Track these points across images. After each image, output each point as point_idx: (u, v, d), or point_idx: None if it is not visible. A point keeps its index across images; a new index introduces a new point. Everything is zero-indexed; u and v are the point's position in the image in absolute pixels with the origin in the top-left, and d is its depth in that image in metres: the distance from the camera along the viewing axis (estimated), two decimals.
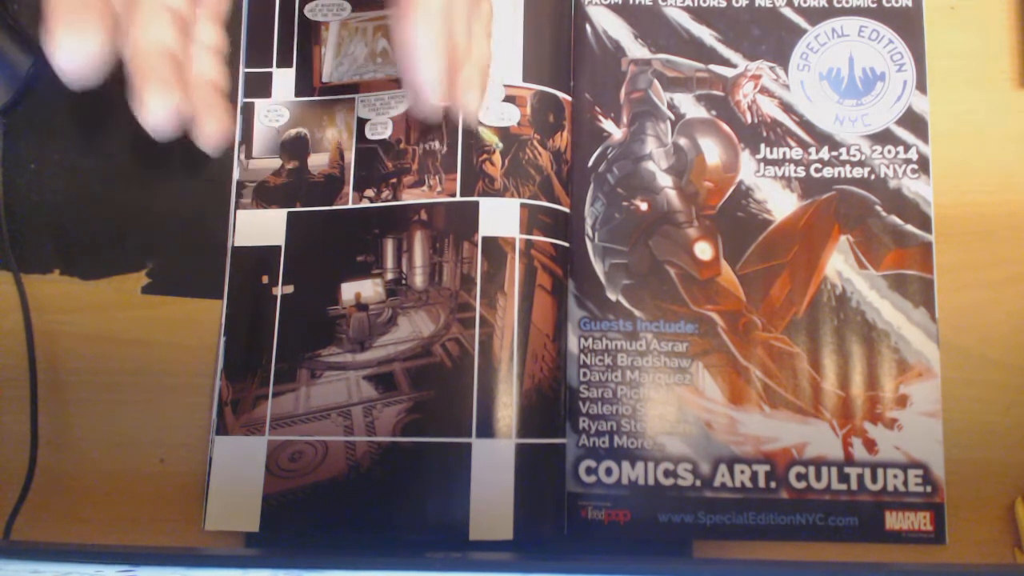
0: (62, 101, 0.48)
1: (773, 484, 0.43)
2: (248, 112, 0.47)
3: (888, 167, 0.46)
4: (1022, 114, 0.47)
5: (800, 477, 0.44)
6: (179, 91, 0.35)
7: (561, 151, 0.46)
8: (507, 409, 0.42)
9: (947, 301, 0.45)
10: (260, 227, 0.46)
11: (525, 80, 0.45)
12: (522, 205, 0.44)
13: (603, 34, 0.48)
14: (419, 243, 0.44)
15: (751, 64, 0.47)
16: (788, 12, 0.48)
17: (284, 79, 0.47)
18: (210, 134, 0.37)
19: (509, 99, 0.45)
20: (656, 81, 0.47)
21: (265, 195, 0.46)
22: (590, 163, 0.47)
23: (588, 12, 0.48)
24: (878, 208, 0.46)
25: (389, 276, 0.45)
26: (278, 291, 0.45)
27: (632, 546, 0.44)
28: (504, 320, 0.43)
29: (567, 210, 0.46)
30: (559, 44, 0.47)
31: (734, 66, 0.47)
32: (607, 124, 0.47)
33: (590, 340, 0.45)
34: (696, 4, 0.48)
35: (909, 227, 0.46)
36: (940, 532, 0.43)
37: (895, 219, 0.46)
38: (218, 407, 0.44)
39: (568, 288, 0.45)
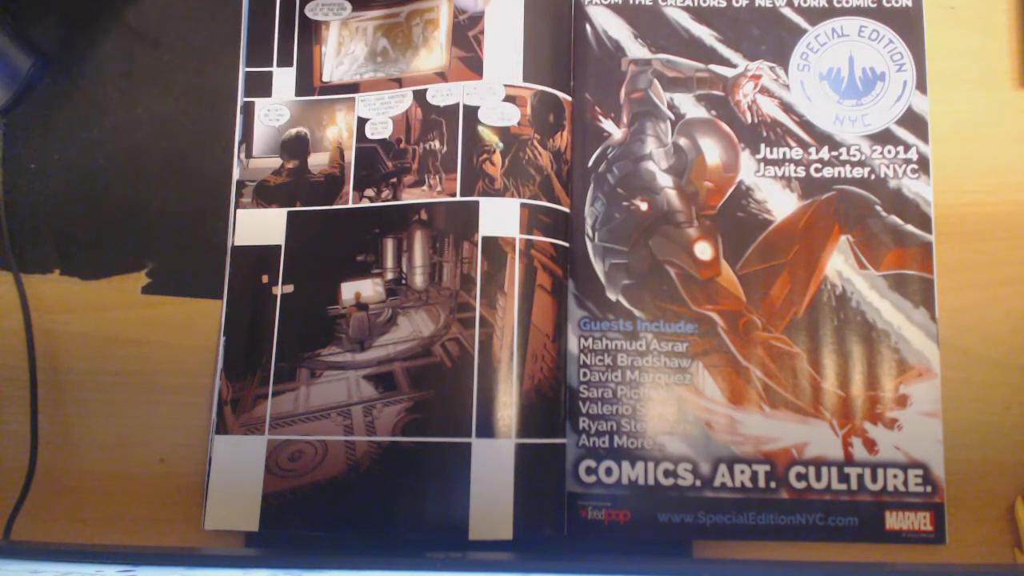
0: (62, 101, 0.48)
1: (773, 484, 0.43)
2: (248, 111, 0.47)
3: (888, 167, 0.46)
4: (1022, 114, 0.47)
5: (800, 477, 0.44)
6: None
7: (561, 151, 0.46)
8: (507, 409, 0.42)
9: (947, 301, 0.45)
10: (260, 226, 0.46)
11: (525, 80, 0.45)
12: (522, 205, 0.44)
13: (603, 34, 0.48)
14: (419, 243, 0.44)
15: (751, 64, 0.47)
16: (788, 12, 0.48)
17: (284, 78, 0.47)
18: None
19: (509, 99, 0.45)
20: (656, 81, 0.47)
21: (265, 194, 0.46)
22: (590, 163, 0.47)
23: (588, 12, 0.48)
24: (878, 208, 0.46)
25: (389, 276, 0.45)
26: (278, 290, 0.45)
27: (632, 546, 0.43)
28: (504, 320, 0.43)
29: (567, 210, 0.46)
30: (559, 44, 0.47)
31: (734, 66, 0.47)
32: (607, 124, 0.47)
33: (590, 340, 0.45)
34: (696, 4, 0.48)
35: (909, 227, 0.46)
36: (940, 532, 0.43)
37: (895, 219, 0.46)
38: (218, 407, 0.44)
39: (568, 288, 0.45)
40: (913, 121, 0.47)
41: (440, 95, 0.46)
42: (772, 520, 0.43)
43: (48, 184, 0.47)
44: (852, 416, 0.44)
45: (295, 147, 0.47)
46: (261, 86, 0.48)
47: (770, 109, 0.47)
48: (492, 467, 0.41)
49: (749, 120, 0.47)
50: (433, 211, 0.45)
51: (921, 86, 0.47)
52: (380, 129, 0.46)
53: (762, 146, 0.47)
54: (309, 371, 0.44)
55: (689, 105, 0.47)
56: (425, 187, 0.45)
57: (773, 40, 0.47)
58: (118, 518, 0.45)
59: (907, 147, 0.46)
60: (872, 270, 0.45)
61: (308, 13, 0.48)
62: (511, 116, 0.45)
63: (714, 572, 0.36)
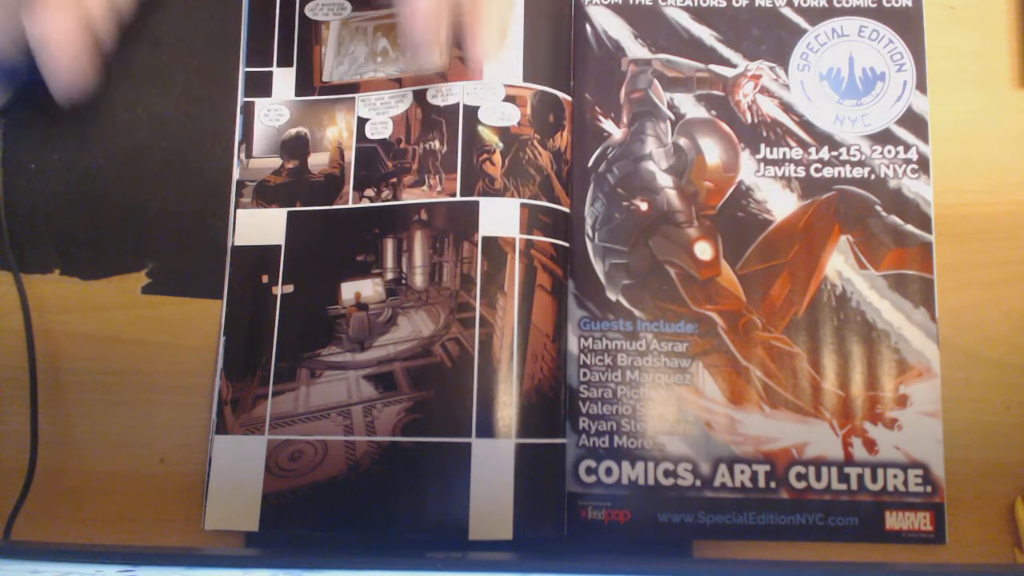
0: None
1: (773, 484, 0.43)
2: (248, 111, 0.47)
3: (888, 167, 0.46)
4: (1022, 114, 0.47)
5: (800, 477, 0.44)
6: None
7: (561, 151, 0.46)
8: (507, 409, 0.42)
9: (947, 301, 0.45)
10: (260, 226, 0.46)
11: (525, 80, 0.45)
12: (522, 205, 0.44)
13: (603, 34, 0.48)
14: (419, 243, 0.44)
15: (751, 64, 0.47)
16: (788, 12, 0.48)
17: (284, 78, 0.47)
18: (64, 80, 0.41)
19: (509, 99, 0.45)
20: (656, 81, 0.47)
21: (265, 194, 0.46)
22: (590, 163, 0.47)
23: (588, 12, 0.48)
24: (878, 208, 0.46)
25: (389, 276, 0.45)
26: (278, 290, 0.45)
27: (632, 546, 0.44)
28: (504, 320, 0.43)
29: (567, 210, 0.46)
30: (559, 44, 0.47)
31: (734, 66, 0.47)
32: (607, 124, 0.47)
33: (590, 340, 0.45)
34: (696, 4, 0.48)
35: (909, 227, 0.46)
36: (940, 532, 0.43)
37: (895, 219, 0.46)
38: (218, 407, 0.44)
39: (568, 288, 0.45)
40: (913, 121, 0.47)
41: (440, 95, 0.46)
42: (772, 520, 0.43)
43: (48, 184, 0.47)
44: (852, 416, 0.44)
45: (295, 147, 0.47)
46: (261, 86, 0.48)
47: (770, 109, 0.47)
48: (492, 467, 0.41)
49: (749, 120, 0.47)
50: (433, 211, 0.45)
51: (921, 86, 0.47)
52: (380, 129, 0.46)
53: (762, 146, 0.47)
54: (309, 371, 0.44)
55: (689, 105, 0.47)
56: (425, 187, 0.45)
57: (773, 40, 0.47)
58: (118, 518, 0.45)
59: (907, 147, 0.46)
60: (872, 270, 0.45)
61: (308, 13, 0.48)
62: (511, 116, 0.45)
63: (714, 572, 0.36)
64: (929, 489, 0.43)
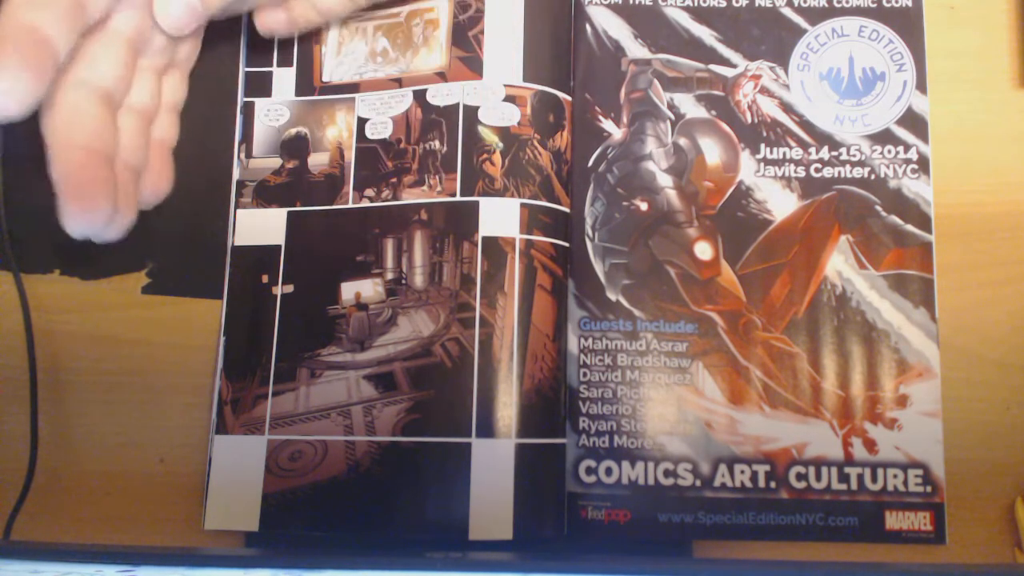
0: None
1: (773, 484, 0.43)
2: (248, 111, 0.47)
3: (888, 167, 0.46)
4: (1022, 114, 0.47)
5: (800, 477, 0.44)
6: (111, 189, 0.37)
7: (561, 151, 0.46)
8: (507, 409, 0.42)
9: (947, 301, 0.45)
10: (260, 226, 0.46)
11: (525, 80, 0.45)
12: (522, 205, 0.44)
13: (603, 34, 0.48)
14: (419, 243, 0.44)
15: (751, 64, 0.47)
16: (788, 12, 0.48)
17: (284, 78, 0.47)
18: (151, 192, 0.41)
19: (509, 99, 0.45)
20: (656, 81, 0.47)
21: (265, 194, 0.46)
22: (590, 163, 0.47)
23: (588, 12, 0.48)
24: (878, 208, 0.46)
25: (389, 276, 0.45)
26: (278, 290, 0.45)
27: (632, 546, 0.44)
28: (504, 320, 0.43)
29: (567, 210, 0.46)
30: (559, 44, 0.47)
31: (734, 66, 0.47)
32: (607, 124, 0.47)
33: (590, 340, 0.45)
34: (696, 4, 0.48)
35: (909, 227, 0.46)
36: (940, 532, 0.43)
37: (895, 219, 0.46)
38: (218, 406, 0.44)
39: (568, 288, 0.45)
40: (913, 121, 0.47)
41: (440, 95, 0.46)
42: (772, 520, 0.43)
43: (48, 184, 0.47)
44: (852, 416, 0.44)
45: (295, 147, 0.47)
46: (261, 86, 0.48)
47: (770, 109, 0.47)
48: (492, 467, 0.41)
49: (749, 120, 0.47)
50: (433, 211, 0.45)
51: (921, 86, 0.47)
52: (380, 129, 0.46)
53: (762, 146, 0.47)
54: (309, 371, 0.44)
55: (689, 105, 0.47)
56: (425, 187, 0.45)
57: (773, 40, 0.47)
58: (118, 518, 0.45)
59: (907, 147, 0.46)
60: (872, 270, 0.45)
61: None
62: (511, 116, 0.45)
63: (714, 572, 0.36)
64: (929, 489, 0.43)
